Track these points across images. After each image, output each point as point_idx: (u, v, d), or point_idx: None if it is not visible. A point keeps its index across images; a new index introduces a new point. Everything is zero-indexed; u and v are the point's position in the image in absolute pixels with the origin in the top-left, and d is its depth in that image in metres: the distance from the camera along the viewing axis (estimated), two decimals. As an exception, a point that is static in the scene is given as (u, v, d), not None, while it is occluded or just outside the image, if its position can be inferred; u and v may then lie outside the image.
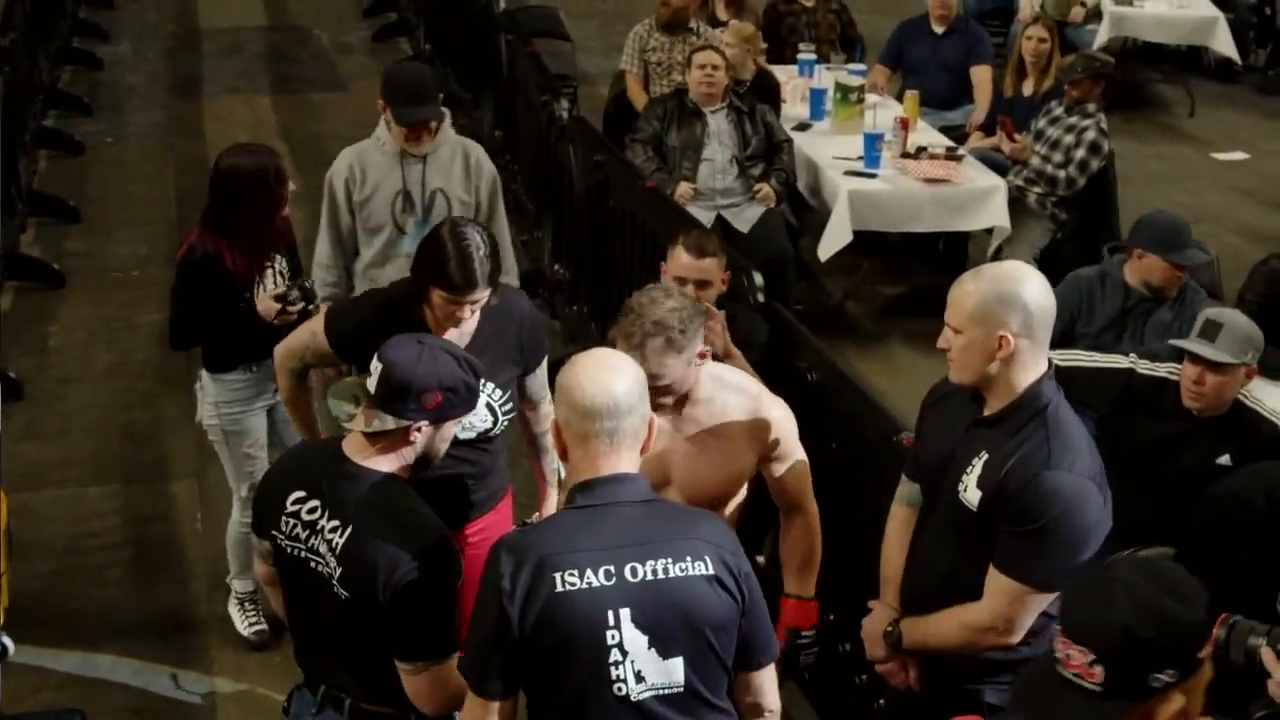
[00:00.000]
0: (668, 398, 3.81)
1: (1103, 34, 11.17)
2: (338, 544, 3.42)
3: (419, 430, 3.50)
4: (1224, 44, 11.56)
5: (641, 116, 8.08)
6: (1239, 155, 11.16)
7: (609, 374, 3.17)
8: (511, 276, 5.81)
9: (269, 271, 5.25)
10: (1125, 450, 4.77)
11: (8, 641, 5.37)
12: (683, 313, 3.78)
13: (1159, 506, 4.83)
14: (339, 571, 3.43)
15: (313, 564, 3.48)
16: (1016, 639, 3.65)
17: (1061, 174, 7.95)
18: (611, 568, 3.07)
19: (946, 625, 3.74)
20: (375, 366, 3.48)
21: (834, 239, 7.84)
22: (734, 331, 5.07)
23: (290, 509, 3.52)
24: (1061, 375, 3.75)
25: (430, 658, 3.40)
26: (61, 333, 7.95)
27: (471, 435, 4.27)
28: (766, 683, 3.32)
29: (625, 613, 3.06)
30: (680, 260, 5.00)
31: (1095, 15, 11.37)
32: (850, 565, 4.72)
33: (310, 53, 12.62)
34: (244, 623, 5.59)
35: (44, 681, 5.40)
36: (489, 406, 4.27)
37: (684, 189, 7.63)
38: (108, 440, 6.97)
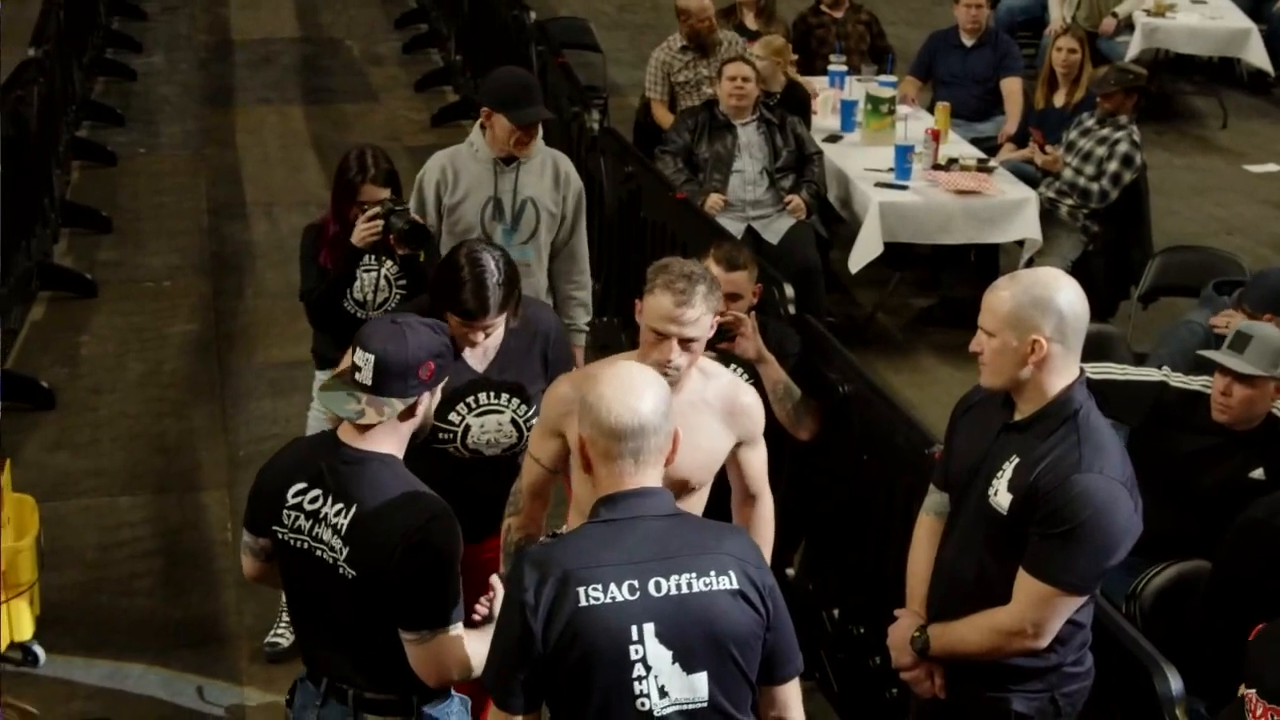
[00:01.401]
0: (689, 353, 3.87)
1: (1135, 46, 11.13)
2: (342, 525, 3.47)
3: (421, 402, 3.57)
4: (1257, 55, 11.50)
5: (672, 128, 8.08)
6: (1272, 167, 11.10)
7: (636, 393, 3.17)
8: (585, 292, 5.82)
9: (360, 270, 5.18)
10: (1158, 463, 4.74)
11: (39, 650, 5.40)
12: (710, 275, 3.96)
13: (1192, 520, 4.81)
14: (346, 551, 3.46)
15: (318, 553, 3.51)
16: (1045, 643, 3.65)
17: (1095, 187, 7.92)
18: (635, 582, 3.07)
19: (974, 630, 3.74)
20: (364, 358, 3.51)
21: (865, 251, 7.82)
22: (765, 343, 5.06)
23: (292, 502, 3.55)
24: (1094, 388, 3.74)
25: (434, 626, 3.44)
26: (93, 342, 7.98)
27: (497, 451, 4.29)
28: (791, 698, 3.31)
29: (649, 627, 3.06)
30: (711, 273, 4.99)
31: (1127, 27, 11.33)
32: (879, 578, 4.71)
33: (341, 64, 12.65)
34: (272, 632, 5.59)
35: (74, 691, 5.41)
36: (514, 422, 4.32)
37: (714, 200, 7.63)
38: (139, 450, 6.99)
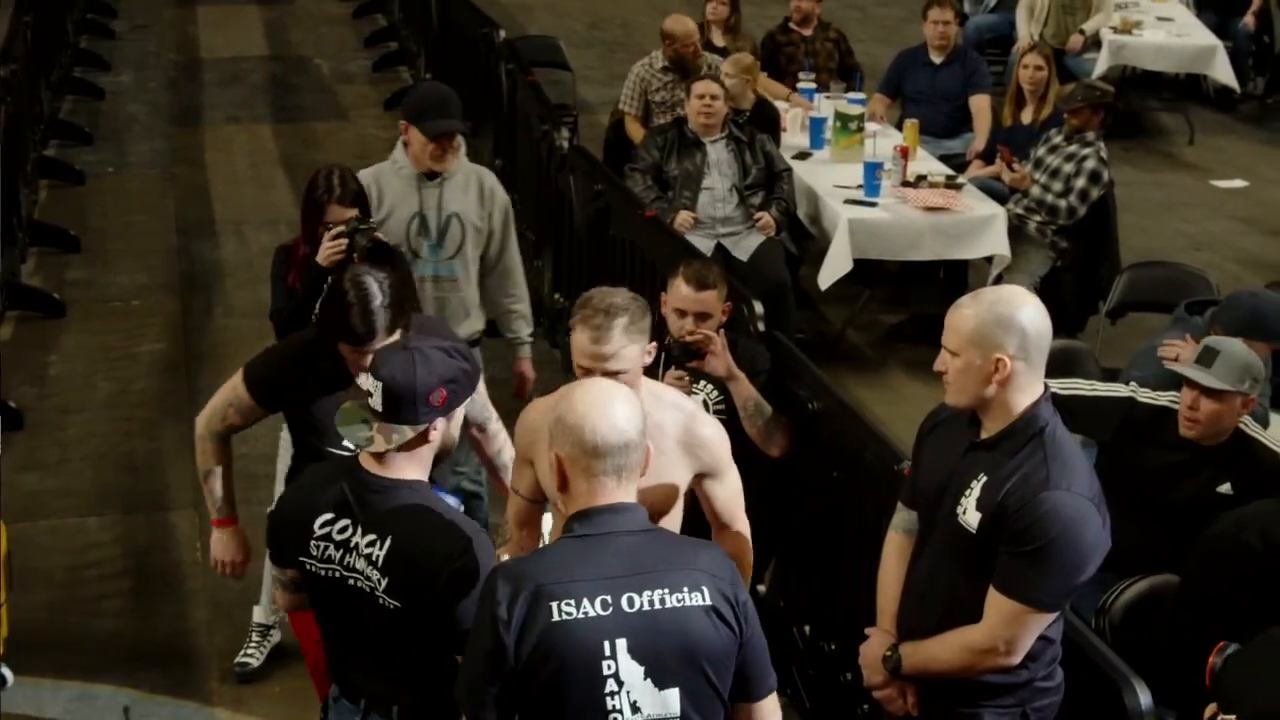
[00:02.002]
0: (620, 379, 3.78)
1: (1102, 63, 11.19)
2: (378, 556, 3.44)
3: (435, 428, 3.51)
4: (1223, 72, 11.58)
5: (641, 146, 8.09)
6: (1238, 183, 11.17)
7: (615, 411, 3.18)
8: (524, 304, 5.88)
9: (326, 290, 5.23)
10: (1126, 478, 4.77)
11: (7, 672, 5.35)
12: (635, 303, 3.85)
13: (1160, 535, 4.82)
14: (385, 583, 3.44)
15: (351, 581, 3.49)
16: (1016, 660, 3.66)
17: (1063, 203, 7.95)
18: (608, 597, 3.07)
19: (946, 648, 3.74)
20: (373, 385, 3.48)
21: (834, 267, 7.84)
22: (735, 361, 5.07)
23: (320, 533, 3.53)
24: (1061, 404, 3.76)
25: None
26: (62, 362, 7.95)
27: None
28: (769, 715, 3.31)
29: (621, 643, 3.07)
30: (680, 292, 5.01)
31: (1094, 44, 11.40)
32: (851, 595, 4.72)
33: (311, 82, 12.64)
34: (242, 652, 5.56)
35: (42, 712, 5.37)
36: None
37: (684, 217, 7.64)
38: (107, 470, 6.96)
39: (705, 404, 5.12)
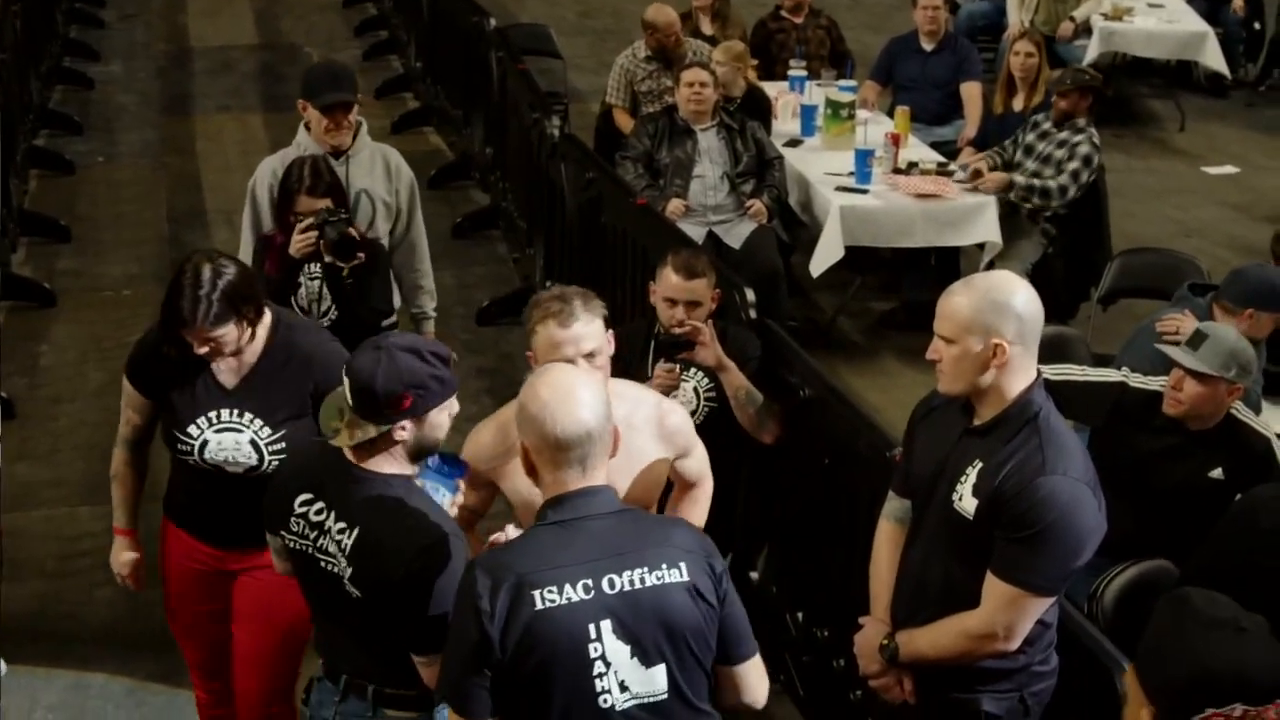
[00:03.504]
0: (596, 360, 3.81)
1: (1093, 49, 11.20)
2: (346, 545, 3.48)
3: (403, 429, 3.51)
4: (1213, 58, 11.59)
5: (632, 134, 8.09)
6: (1229, 169, 11.19)
7: (577, 400, 3.19)
8: (428, 279, 5.97)
9: (305, 278, 5.28)
10: (1118, 463, 4.77)
11: (1, 662, 5.36)
12: (582, 289, 3.89)
13: (1152, 520, 4.84)
14: (350, 571, 3.48)
15: (322, 562, 3.54)
16: (1015, 646, 3.66)
17: (1053, 184, 7.93)
18: (589, 581, 3.11)
19: (944, 635, 3.75)
20: (345, 381, 3.50)
21: (826, 255, 7.84)
22: (726, 348, 5.07)
23: (298, 510, 3.58)
24: (1054, 389, 3.76)
25: (442, 650, 3.40)
26: (53, 352, 7.94)
27: (238, 470, 4.24)
28: (751, 676, 3.35)
29: (606, 624, 3.10)
30: (669, 281, 5.01)
31: (1085, 31, 11.40)
32: (843, 582, 4.72)
33: (301, 71, 12.49)
34: None
35: (35, 702, 5.37)
36: (253, 443, 4.21)
37: (675, 205, 7.64)
38: (99, 460, 6.87)
39: (696, 392, 5.13)
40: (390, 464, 3.54)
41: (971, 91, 9.36)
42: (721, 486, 4.28)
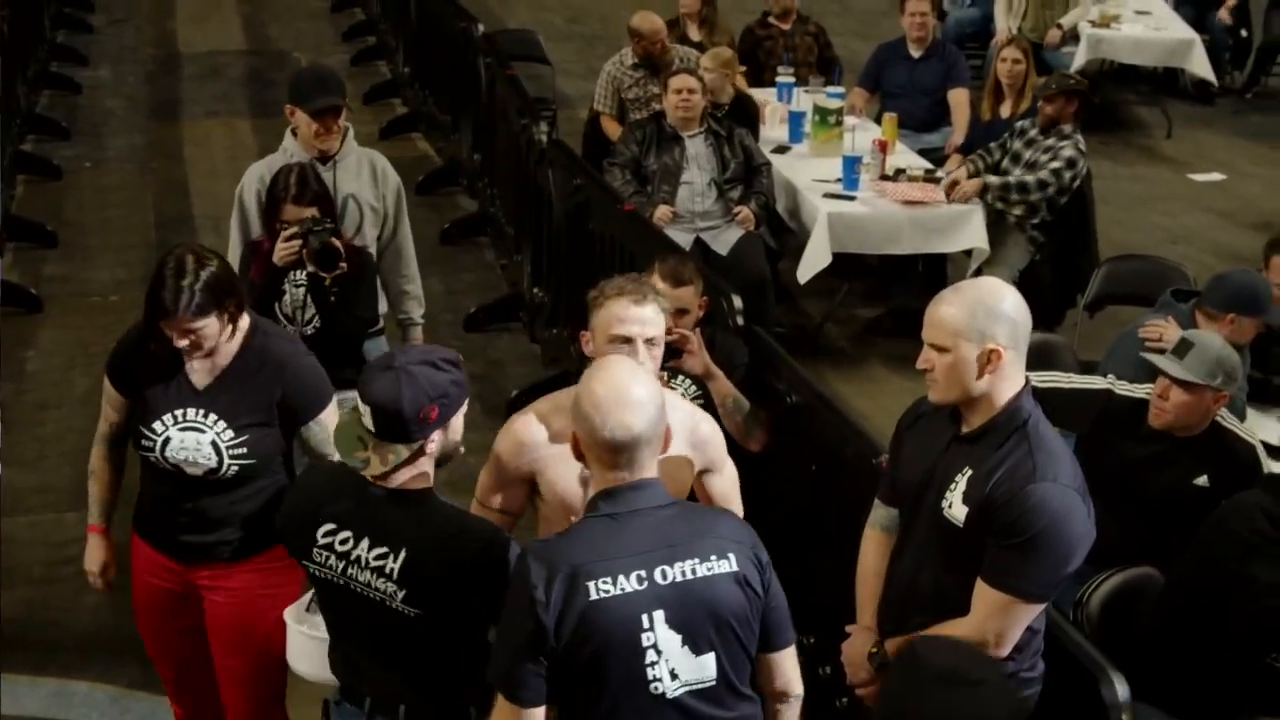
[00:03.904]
0: (657, 348, 3.89)
1: (1080, 56, 11.22)
2: (393, 568, 3.46)
3: (432, 441, 3.51)
4: (1200, 66, 11.62)
5: (620, 140, 8.10)
6: (1216, 176, 11.21)
7: (630, 405, 3.23)
8: (415, 285, 5.95)
9: (290, 285, 5.27)
10: (1103, 471, 4.77)
11: (-16, 669, 5.34)
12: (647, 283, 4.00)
13: (1137, 527, 4.85)
14: (403, 593, 3.46)
15: (355, 589, 3.52)
16: (1005, 652, 3.67)
17: (1030, 178, 7.95)
18: (643, 572, 3.18)
19: (934, 643, 3.74)
20: (363, 408, 3.48)
21: (813, 261, 7.85)
22: (713, 355, 5.07)
23: (322, 542, 3.55)
24: (1040, 397, 3.76)
25: None
26: (39, 358, 7.92)
27: (198, 471, 4.22)
28: (790, 666, 3.45)
29: (659, 614, 3.19)
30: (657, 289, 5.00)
31: (1072, 38, 11.43)
32: (830, 589, 4.72)
33: (289, 76, 12.54)
34: None
35: (20, 708, 5.36)
36: (214, 445, 4.19)
37: (663, 211, 7.65)
38: (85, 466, 6.89)
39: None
40: (417, 479, 3.53)
41: (959, 98, 9.36)
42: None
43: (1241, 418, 5.34)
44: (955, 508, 3.66)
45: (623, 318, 3.84)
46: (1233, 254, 9.49)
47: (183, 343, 4.11)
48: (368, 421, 3.47)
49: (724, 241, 7.77)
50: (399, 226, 5.83)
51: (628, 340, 3.83)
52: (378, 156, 5.85)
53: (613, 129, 8.81)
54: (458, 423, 3.60)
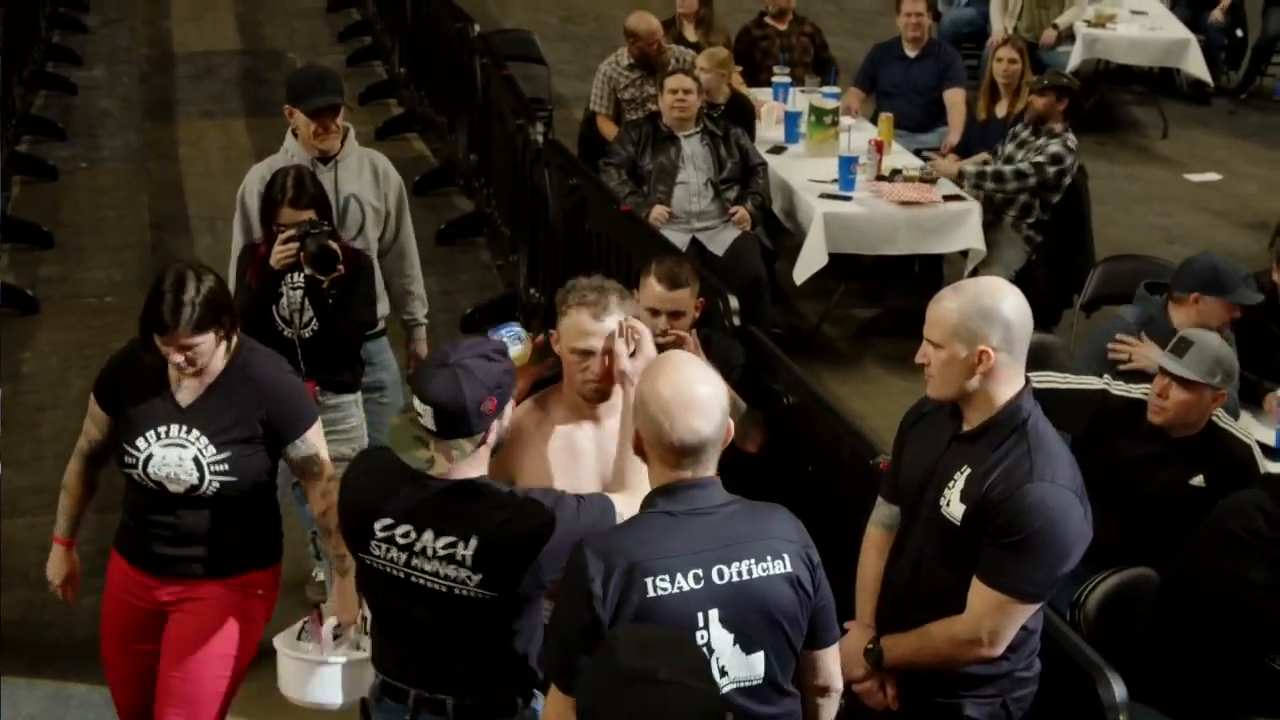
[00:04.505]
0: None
1: (1075, 56, 11.22)
2: (465, 555, 3.49)
3: (491, 432, 3.55)
4: (1196, 66, 11.62)
5: (616, 140, 8.10)
6: (1212, 176, 11.22)
7: (696, 406, 3.24)
8: (418, 285, 5.97)
9: (287, 288, 5.26)
10: (1100, 471, 4.77)
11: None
12: (617, 284, 3.99)
13: (1133, 527, 4.85)
14: (478, 577, 3.49)
15: (418, 580, 3.54)
16: (999, 651, 3.69)
17: (1007, 168, 7.97)
18: (700, 571, 3.21)
19: (929, 640, 3.77)
20: (423, 408, 3.48)
21: (809, 262, 7.85)
22: (710, 356, 5.06)
23: (381, 535, 3.56)
24: (1036, 397, 3.77)
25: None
26: (35, 359, 7.92)
27: (180, 489, 4.21)
28: (833, 664, 3.48)
29: (714, 613, 3.22)
30: (652, 291, 5.00)
31: (1068, 38, 11.42)
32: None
33: (284, 76, 12.48)
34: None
35: (16, 712, 5.35)
36: (196, 461, 4.19)
37: (659, 212, 7.65)
38: (82, 467, 6.91)
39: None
40: (474, 467, 3.55)
41: (955, 98, 9.37)
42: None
43: (1235, 417, 5.34)
44: (953, 506, 3.68)
45: (583, 331, 3.87)
46: (1229, 253, 9.37)
47: (178, 359, 4.10)
48: (428, 421, 3.48)
49: (720, 242, 7.77)
50: (401, 227, 5.82)
51: (588, 353, 3.87)
52: (379, 156, 5.84)
53: (609, 129, 8.81)
54: (509, 410, 3.64)
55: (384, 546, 3.56)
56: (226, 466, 4.21)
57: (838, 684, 3.52)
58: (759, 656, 3.27)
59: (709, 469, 3.30)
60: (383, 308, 5.79)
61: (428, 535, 3.51)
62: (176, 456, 4.20)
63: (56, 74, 12.22)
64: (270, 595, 4.49)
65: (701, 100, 7.88)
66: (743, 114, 8.55)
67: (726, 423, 3.31)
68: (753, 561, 3.25)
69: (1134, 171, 11.20)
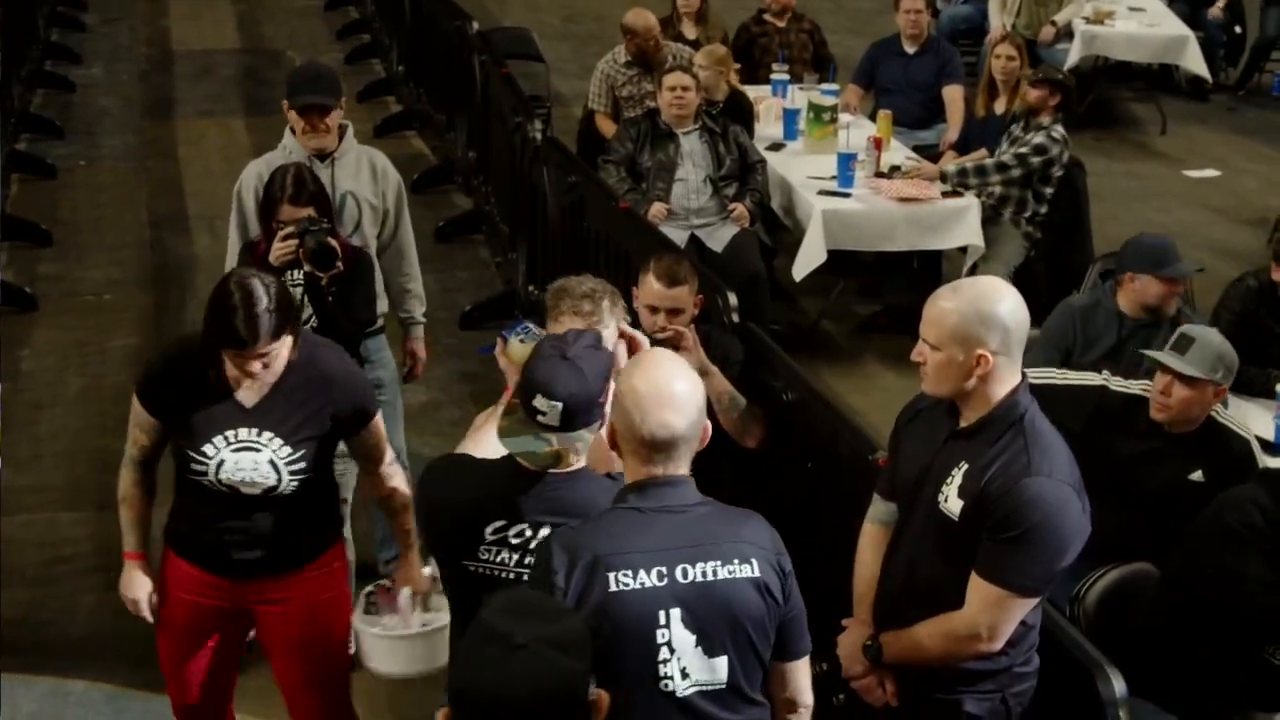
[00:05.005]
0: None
1: (1074, 53, 11.22)
2: None
3: (603, 419, 3.52)
4: (1194, 62, 11.62)
5: (614, 138, 8.09)
6: (1210, 173, 11.22)
7: (670, 402, 3.22)
8: (417, 284, 5.93)
9: (288, 285, 5.24)
10: (1098, 467, 4.76)
11: (-20, 669, 5.33)
12: (606, 285, 4.00)
13: (1133, 523, 4.85)
14: None
15: (528, 578, 3.51)
16: (998, 646, 3.68)
17: (989, 161, 8.00)
18: (664, 568, 3.18)
19: (928, 636, 3.76)
20: (549, 405, 3.42)
21: (808, 258, 7.85)
22: (709, 352, 5.06)
23: (492, 538, 3.52)
24: (1034, 393, 3.77)
25: None
26: (34, 357, 7.91)
27: (255, 491, 4.17)
28: (802, 677, 3.43)
29: (676, 613, 3.18)
30: (651, 289, 5.00)
31: (1066, 34, 11.43)
32: (825, 585, 4.72)
33: (283, 75, 12.42)
34: None
35: (15, 710, 5.35)
36: (272, 463, 4.15)
37: (658, 209, 7.64)
38: (80, 465, 6.93)
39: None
40: (581, 459, 3.53)
41: (953, 95, 9.37)
42: (705, 491, 4.27)
43: (1224, 404, 5.35)
44: (951, 501, 3.68)
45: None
46: (1228, 250, 9.50)
47: (255, 367, 4.03)
48: (552, 418, 3.43)
49: (719, 239, 7.77)
50: (400, 224, 5.80)
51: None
52: (378, 154, 5.82)
53: (607, 127, 8.80)
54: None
55: (494, 550, 3.53)
56: (303, 465, 4.16)
57: (807, 699, 3.46)
58: (722, 660, 3.22)
59: (681, 467, 3.27)
60: (382, 305, 5.78)
61: (544, 532, 3.49)
62: (251, 460, 4.13)
63: (55, 72, 12.23)
64: (344, 561, 4.52)
65: (700, 97, 7.88)
66: (741, 111, 8.55)
67: (703, 422, 3.28)
68: (719, 563, 3.21)
69: (1133, 168, 11.21)
